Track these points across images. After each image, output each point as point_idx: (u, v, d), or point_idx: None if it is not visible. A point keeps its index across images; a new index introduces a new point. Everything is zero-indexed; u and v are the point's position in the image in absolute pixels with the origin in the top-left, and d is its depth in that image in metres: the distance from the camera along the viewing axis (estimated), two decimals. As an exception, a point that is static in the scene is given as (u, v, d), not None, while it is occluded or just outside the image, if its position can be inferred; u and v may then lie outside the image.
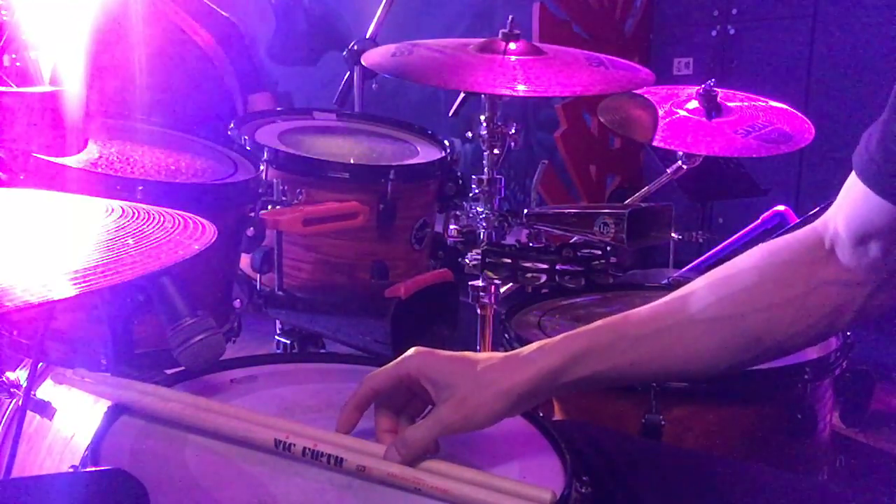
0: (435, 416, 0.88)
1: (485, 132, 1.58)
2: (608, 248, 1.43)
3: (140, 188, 1.21)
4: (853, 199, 0.88)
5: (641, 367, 0.92)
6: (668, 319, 0.94)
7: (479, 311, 1.55)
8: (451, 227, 1.60)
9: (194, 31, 2.32)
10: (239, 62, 2.43)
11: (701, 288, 0.95)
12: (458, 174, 1.84)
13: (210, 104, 2.09)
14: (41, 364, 1.43)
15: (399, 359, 0.92)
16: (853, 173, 0.87)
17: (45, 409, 1.46)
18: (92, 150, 1.20)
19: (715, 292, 0.93)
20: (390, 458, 0.86)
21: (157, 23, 2.26)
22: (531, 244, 1.51)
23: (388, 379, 0.91)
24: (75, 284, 0.58)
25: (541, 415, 1.04)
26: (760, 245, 0.95)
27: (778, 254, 0.94)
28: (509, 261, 1.45)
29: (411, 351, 0.92)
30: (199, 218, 0.81)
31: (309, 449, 0.86)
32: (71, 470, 0.83)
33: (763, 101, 1.92)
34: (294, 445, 0.87)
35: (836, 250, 0.90)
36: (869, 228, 0.86)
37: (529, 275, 1.43)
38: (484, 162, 1.59)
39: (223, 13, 2.50)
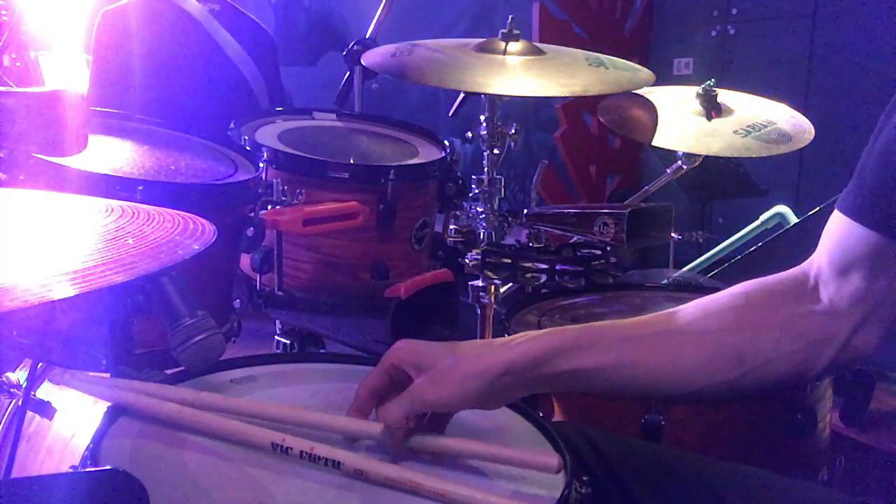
0: (409, 390, 0.89)
1: (485, 132, 1.58)
2: (608, 248, 1.43)
3: (140, 188, 1.21)
4: (834, 232, 0.92)
5: (625, 370, 0.92)
6: (655, 327, 0.96)
7: (479, 311, 1.55)
8: (451, 227, 1.60)
9: (223, 39, 2.31)
10: (269, 73, 2.44)
11: (689, 305, 0.97)
12: (458, 174, 1.84)
13: (236, 109, 2.10)
14: (41, 364, 1.43)
15: (384, 355, 0.93)
16: (835, 211, 0.91)
17: (45, 409, 1.46)
18: (92, 150, 1.20)
19: (702, 309, 0.96)
20: (387, 446, 0.88)
21: (174, 25, 2.26)
22: (531, 244, 1.51)
23: (379, 375, 0.92)
24: (75, 284, 0.58)
25: (541, 415, 1.04)
26: (748, 281, 0.98)
27: (764, 284, 0.97)
28: (509, 261, 1.45)
29: (396, 343, 0.93)
30: (199, 218, 0.81)
31: (306, 452, 0.86)
32: (71, 470, 0.83)
33: (763, 101, 1.91)
34: (291, 449, 0.87)
35: (819, 285, 0.93)
36: (850, 258, 0.89)
37: (529, 275, 1.43)
38: (484, 162, 1.59)
39: (261, 24, 2.50)
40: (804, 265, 0.96)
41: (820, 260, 0.93)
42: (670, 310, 0.97)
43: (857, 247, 0.89)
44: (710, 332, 0.93)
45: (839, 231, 0.91)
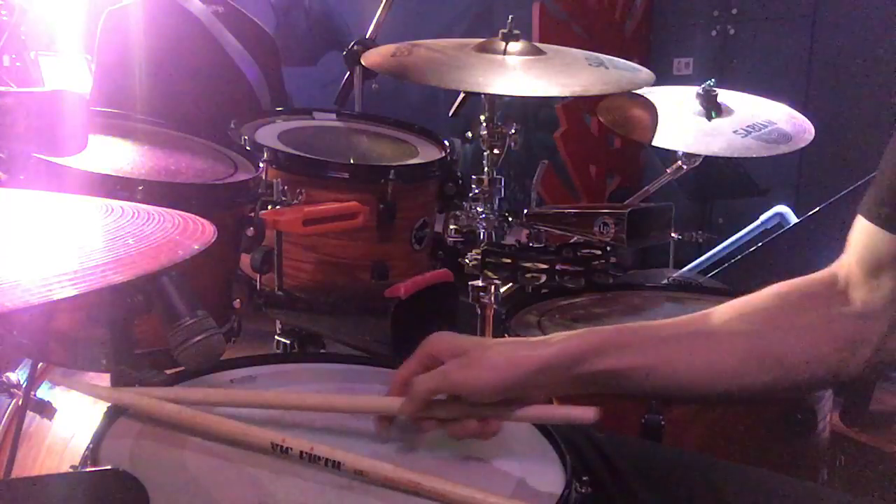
0: (440, 368, 0.90)
1: (485, 132, 1.58)
2: (608, 248, 1.43)
3: (140, 188, 1.21)
4: (860, 236, 0.92)
5: (661, 371, 0.92)
6: (690, 328, 0.95)
7: (479, 311, 1.55)
8: (451, 227, 1.60)
9: (225, 40, 2.32)
10: (271, 76, 2.44)
11: (724, 306, 0.97)
12: (458, 174, 1.84)
13: (238, 110, 2.10)
14: (41, 364, 1.43)
15: (421, 344, 0.94)
16: (858, 215, 0.92)
17: (45, 409, 1.46)
18: (92, 150, 1.20)
19: (736, 309, 0.96)
20: (402, 407, 0.90)
21: (177, 25, 2.26)
22: (531, 244, 1.51)
23: (415, 364, 0.93)
24: (75, 284, 0.58)
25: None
26: (781, 283, 0.97)
27: (797, 286, 0.97)
28: (509, 261, 1.45)
29: (433, 335, 0.94)
30: (199, 218, 0.81)
31: (306, 452, 0.86)
32: (71, 470, 0.83)
33: (763, 101, 1.92)
34: (291, 449, 0.87)
35: (850, 288, 0.93)
36: (879, 261, 0.89)
37: (529, 275, 1.43)
38: (484, 162, 1.59)
39: (263, 26, 2.51)
40: (833, 267, 0.96)
41: (850, 262, 0.93)
42: (705, 311, 0.97)
43: (885, 249, 0.89)
44: (744, 334, 0.93)
45: (865, 235, 0.91)
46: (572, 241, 1.47)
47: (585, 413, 0.87)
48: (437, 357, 0.92)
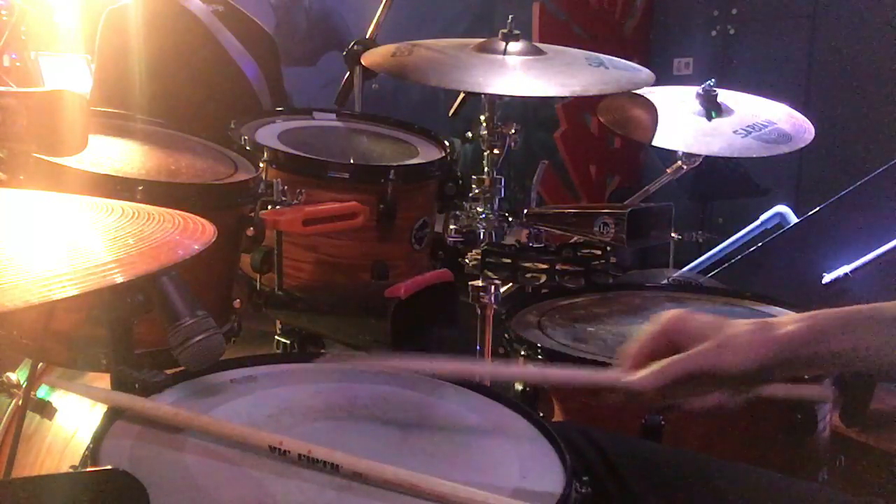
0: (695, 353, 0.92)
1: (485, 132, 1.58)
2: (608, 248, 1.43)
3: (140, 188, 1.21)
4: None
5: (886, 356, 0.91)
6: None
7: (479, 311, 1.55)
8: (451, 227, 1.60)
9: (226, 39, 2.32)
10: (271, 76, 2.44)
11: None
12: (458, 174, 1.84)
13: (238, 109, 2.10)
14: (41, 364, 1.43)
15: (654, 321, 0.96)
16: None
17: (45, 409, 1.46)
18: (92, 150, 1.20)
19: None
20: (644, 381, 0.92)
21: (178, 24, 2.26)
22: (531, 244, 1.51)
23: (654, 339, 0.95)
24: (75, 284, 0.58)
25: (541, 415, 1.04)
26: None
27: None
28: (509, 261, 1.45)
29: (667, 312, 0.97)
30: (199, 218, 0.81)
31: (304, 455, 0.86)
32: (71, 470, 0.83)
33: (763, 101, 1.92)
34: (289, 452, 0.87)
35: None
36: None
37: (529, 275, 1.43)
38: (484, 162, 1.59)
39: (263, 26, 2.51)
40: None
41: None
42: None
43: None
44: None
45: None
46: (572, 241, 1.47)
47: (822, 391, 0.87)
48: (675, 340, 0.94)
